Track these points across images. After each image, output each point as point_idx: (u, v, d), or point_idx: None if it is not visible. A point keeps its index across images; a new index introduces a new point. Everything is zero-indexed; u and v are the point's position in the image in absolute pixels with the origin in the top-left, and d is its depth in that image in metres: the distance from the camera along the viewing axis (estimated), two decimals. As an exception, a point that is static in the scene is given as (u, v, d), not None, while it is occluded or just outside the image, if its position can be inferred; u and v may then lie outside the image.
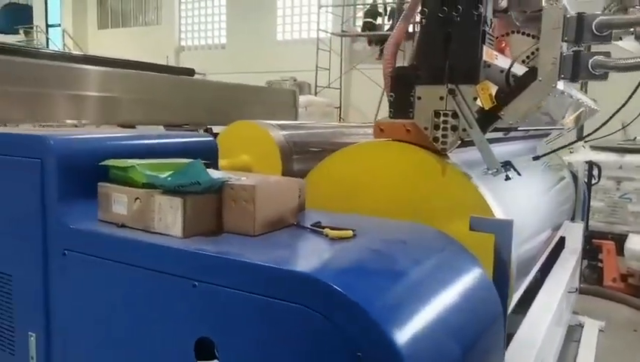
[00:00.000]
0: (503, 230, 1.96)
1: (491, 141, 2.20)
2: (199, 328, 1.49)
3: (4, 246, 1.98)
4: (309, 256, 1.63)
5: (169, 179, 1.65)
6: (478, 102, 2.11)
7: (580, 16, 2.04)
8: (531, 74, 2.09)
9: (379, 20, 13.55)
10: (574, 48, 2.15)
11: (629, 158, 6.60)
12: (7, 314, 1.98)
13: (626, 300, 5.33)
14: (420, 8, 2.26)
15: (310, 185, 2.10)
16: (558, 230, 3.59)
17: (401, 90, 2.35)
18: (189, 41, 17.47)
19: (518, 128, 2.63)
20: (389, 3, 13.60)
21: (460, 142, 2.19)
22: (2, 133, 2.10)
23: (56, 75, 4.56)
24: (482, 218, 2.01)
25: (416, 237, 1.88)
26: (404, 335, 1.30)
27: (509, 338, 2.25)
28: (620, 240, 5.85)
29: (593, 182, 4.78)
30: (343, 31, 13.71)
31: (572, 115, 3.43)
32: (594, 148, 6.34)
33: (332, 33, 13.71)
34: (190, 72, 7.28)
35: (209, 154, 2.18)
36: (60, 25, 19.17)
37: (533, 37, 3.21)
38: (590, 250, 5.71)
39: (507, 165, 2.16)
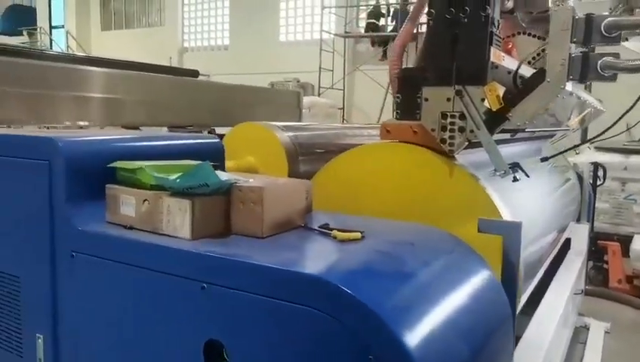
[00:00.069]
0: (511, 232, 1.95)
1: (498, 142, 2.20)
2: (208, 330, 1.49)
3: (11, 248, 1.98)
4: (318, 258, 1.62)
5: (178, 181, 1.65)
6: (486, 104, 2.10)
7: (589, 18, 2.04)
8: (540, 75, 2.09)
9: (382, 21, 13.54)
10: (582, 49, 2.14)
11: (634, 159, 6.58)
12: (15, 316, 1.98)
13: (632, 302, 5.31)
14: (426, 9, 2.25)
15: (317, 187, 2.10)
16: (564, 231, 3.58)
17: (407, 91, 2.35)
18: (192, 43, 17.49)
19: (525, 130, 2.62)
20: (392, 4, 13.60)
21: (467, 143, 2.18)
22: (10, 134, 2.10)
23: (59, 76, 4.55)
24: (490, 220, 2.00)
25: (424, 239, 1.87)
26: (415, 337, 1.30)
27: (515, 340, 2.24)
28: (625, 241, 5.83)
29: (598, 183, 4.77)
30: (346, 32, 13.71)
31: (578, 116, 3.42)
32: (599, 149, 6.33)
33: (335, 34, 13.72)
34: (194, 73, 7.27)
35: (216, 156, 2.17)
36: (63, 26, 19.21)
37: (539, 38, 3.21)
38: (595, 252, 5.69)
39: (515, 166, 2.15)
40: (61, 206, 1.81)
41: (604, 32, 2.04)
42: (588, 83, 3.82)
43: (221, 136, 3.21)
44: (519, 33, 3.22)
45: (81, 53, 14.60)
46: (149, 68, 6.21)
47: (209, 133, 5.47)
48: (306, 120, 8.17)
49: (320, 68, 13.34)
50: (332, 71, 13.47)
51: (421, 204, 2.21)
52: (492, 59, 2.16)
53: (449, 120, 2.18)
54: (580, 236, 4.01)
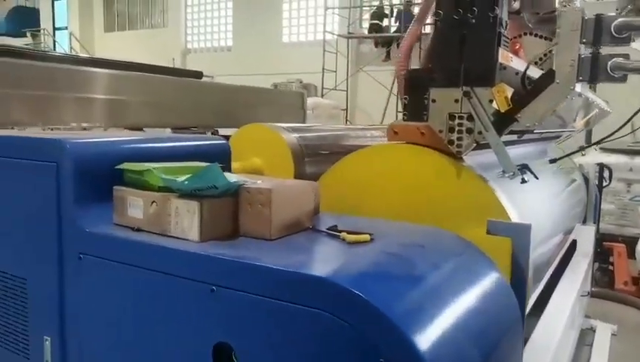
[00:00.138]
0: (520, 234, 1.94)
1: (505, 144, 2.18)
2: (217, 333, 1.48)
3: (19, 249, 1.98)
4: (328, 261, 1.61)
5: (186, 182, 1.64)
6: (494, 105, 2.09)
7: (599, 18, 2.02)
8: (549, 76, 2.07)
9: (385, 22, 13.55)
10: (590, 50, 2.13)
11: (640, 160, 6.55)
12: (22, 318, 1.97)
13: (638, 304, 5.29)
14: (434, 10, 2.24)
15: (324, 188, 2.09)
16: (571, 233, 3.56)
17: (415, 92, 2.34)
18: (195, 44, 17.52)
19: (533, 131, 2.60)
20: (395, 5, 13.59)
21: (475, 144, 2.17)
22: (17, 136, 2.10)
23: (63, 77, 4.56)
24: (499, 221, 1.99)
25: (433, 241, 1.86)
26: (426, 339, 1.29)
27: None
28: (630, 242, 5.81)
29: (604, 184, 4.75)
30: (349, 33, 13.71)
31: (584, 118, 3.41)
32: (604, 150, 6.30)
33: (338, 35, 13.71)
34: (198, 74, 7.28)
35: (222, 158, 2.17)
36: (67, 28, 19.28)
37: (546, 39, 3.20)
38: (601, 253, 5.67)
39: (524, 168, 2.14)
40: (69, 207, 1.81)
41: (614, 32, 2.03)
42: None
43: (225, 138, 3.21)
44: (525, 34, 3.21)
45: (84, 55, 14.62)
46: (152, 69, 6.21)
47: (212, 134, 5.47)
48: (309, 121, 8.17)
49: (323, 69, 13.34)
50: (335, 72, 13.47)
51: (429, 206, 2.20)
52: (500, 60, 2.15)
53: (457, 121, 2.16)
54: (586, 238, 3.99)
